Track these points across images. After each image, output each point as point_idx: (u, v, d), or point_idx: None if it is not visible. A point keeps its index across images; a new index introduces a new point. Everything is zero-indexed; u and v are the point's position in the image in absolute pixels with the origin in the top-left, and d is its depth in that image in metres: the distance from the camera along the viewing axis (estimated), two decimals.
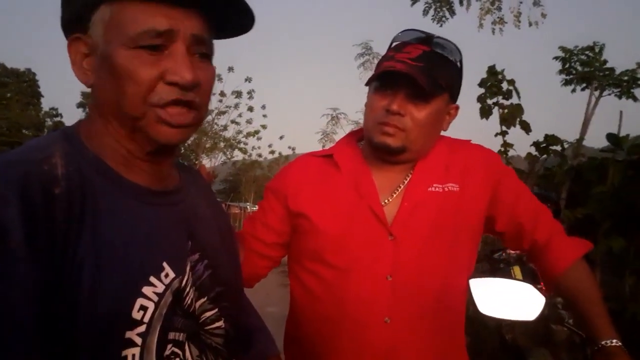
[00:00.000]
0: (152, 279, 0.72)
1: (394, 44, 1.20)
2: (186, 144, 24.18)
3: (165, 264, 0.74)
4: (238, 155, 23.54)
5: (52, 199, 0.64)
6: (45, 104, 33.87)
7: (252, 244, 1.24)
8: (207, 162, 23.13)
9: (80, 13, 0.73)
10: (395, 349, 1.11)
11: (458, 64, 1.19)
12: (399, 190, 1.19)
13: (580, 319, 1.19)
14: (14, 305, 0.59)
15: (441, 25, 4.71)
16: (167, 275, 0.74)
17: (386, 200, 1.18)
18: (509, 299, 1.01)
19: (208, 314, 0.83)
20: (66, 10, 0.75)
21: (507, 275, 1.40)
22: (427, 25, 4.77)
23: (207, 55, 0.77)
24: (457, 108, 1.23)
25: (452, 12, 4.74)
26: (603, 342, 1.08)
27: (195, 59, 0.74)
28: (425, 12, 4.78)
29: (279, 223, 1.24)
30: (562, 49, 4.07)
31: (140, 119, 0.72)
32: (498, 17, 4.91)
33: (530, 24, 4.85)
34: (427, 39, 1.15)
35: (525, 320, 1.02)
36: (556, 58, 4.11)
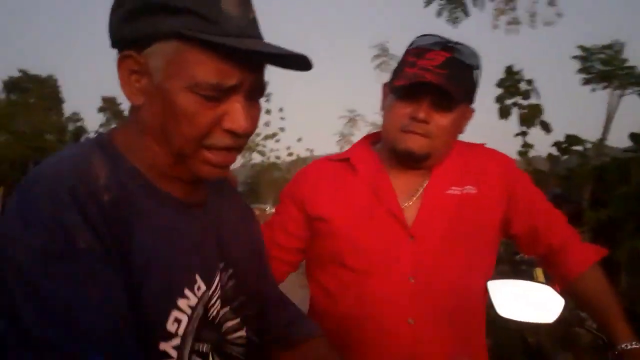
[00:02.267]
0: (187, 292, 0.73)
1: (413, 49, 1.20)
2: None
3: (197, 277, 0.75)
4: (256, 158, 23.69)
5: (102, 205, 0.66)
6: (67, 109, 34.49)
7: (272, 249, 1.24)
8: None
9: (143, 36, 0.70)
10: (419, 350, 1.11)
11: (477, 69, 1.19)
12: (418, 193, 1.19)
13: (598, 323, 1.19)
14: (96, 303, 0.61)
15: (456, 27, 4.68)
16: (199, 288, 0.75)
17: (406, 204, 1.18)
18: (527, 301, 1.00)
19: (230, 323, 0.83)
20: (127, 27, 0.71)
21: (529, 277, 1.39)
22: (441, 25, 4.74)
23: (260, 98, 0.78)
24: (473, 111, 1.23)
25: (466, 13, 4.71)
26: (622, 345, 1.09)
27: (250, 102, 0.74)
28: (439, 13, 4.76)
29: (298, 228, 1.24)
30: (581, 47, 4.01)
31: (188, 156, 0.73)
32: (512, 17, 4.86)
33: (545, 24, 4.80)
34: (447, 45, 1.15)
35: (545, 322, 1.01)
36: (575, 57, 4.05)
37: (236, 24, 0.69)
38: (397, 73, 1.19)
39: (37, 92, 31.01)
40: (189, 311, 0.73)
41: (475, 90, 1.20)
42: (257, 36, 0.73)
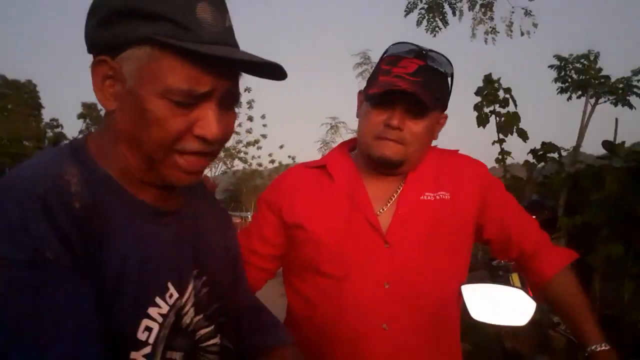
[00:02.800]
0: (158, 300, 0.73)
1: (387, 56, 1.22)
2: None
3: (170, 285, 0.76)
4: (238, 165, 23.67)
5: (73, 213, 0.65)
6: (46, 115, 33.98)
7: (248, 257, 1.25)
8: (207, 172, 23.16)
9: (117, 41, 0.70)
10: (393, 355, 1.12)
11: (449, 76, 1.22)
12: (392, 199, 1.22)
13: (569, 325, 1.23)
14: (63, 312, 0.60)
15: (434, 36, 4.76)
16: (171, 296, 0.75)
17: (380, 210, 1.20)
18: (499, 305, 1.02)
19: (203, 331, 0.83)
20: (102, 32, 0.71)
21: (506, 282, 1.42)
22: (421, 35, 4.83)
23: (235, 106, 0.77)
24: (446, 117, 1.26)
25: (445, 22, 4.80)
26: (592, 347, 1.13)
27: (223, 110, 0.74)
28: (419, 23, 4.84)
29: (274, 235, 1.25)
30: (557, 57, 4.10)
31: (159, 162, 0.73)
32: (490, 27, 4.97)
33: (522, 34, 4.91)
34: (421, 53, 1.18)
35: (517, 325, 1.03)
36: (551, 66, 4.14)
37: (210, 32, 0.69)
38: (371, 81, 1.22)
39: (16, 98, 30.45)
40: (160, 319, 0.73)
41: (449, 97, 1.24)
42: (232, 44, 0.73)
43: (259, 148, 22.84)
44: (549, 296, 1.26)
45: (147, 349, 0.71)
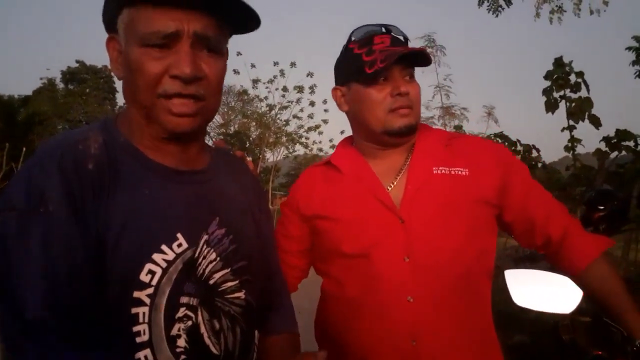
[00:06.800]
0: (164, 247, 0.80)
1: (354, 42, 1.25)
2: (250, 139, 24.81)
3: (179, 235, 0.82)
4: (300, 150, 23.91)
5: (84, 172, 0.76)
6: (120, 99, 35.73)
7: (279, 256, 1.31)
8: (270, 156, 23.65)
9: (111, 16, 0.84)
10: (420, 327, 1.13)
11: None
12: (402, 172, 1.24)
13: (611, 317, 1.16)
14: (51, 258, 0.71)
15: (497, 16, 4.55)
16: (180, 245, 0.82)
17: (390, 185, 1.23)
18: (544, 291, 0.99)
19: (230, 284, 0.90)
20: (104, 13, 0.86)
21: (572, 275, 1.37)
22: (482, 15, 4.65)
23: (216, 51, 0.84)
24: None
25: (509, 2, 4.57)
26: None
27: (203, 55, 0.82)
28: (481, 3, 4.65)
29: (296, 230, 1.33)
30: (636, 38, 3.84)
31: (151, 109, 0.82)
32: (556, 6, 4.65)
33: (591, 12, 4.56)
34: (383, 30, 1.24)
35: (561, 313, 1.00)
36: (629, 48, 3.88)
37: None
38: (354, 66, 1.22)
39: (93, 83, 32.22)
40: (164, 264, 0.80)
41: None
42: None
43: (320, 133, 22.97)
44: (584, 287, 1.19)
45: (150, 290, 0.78)
